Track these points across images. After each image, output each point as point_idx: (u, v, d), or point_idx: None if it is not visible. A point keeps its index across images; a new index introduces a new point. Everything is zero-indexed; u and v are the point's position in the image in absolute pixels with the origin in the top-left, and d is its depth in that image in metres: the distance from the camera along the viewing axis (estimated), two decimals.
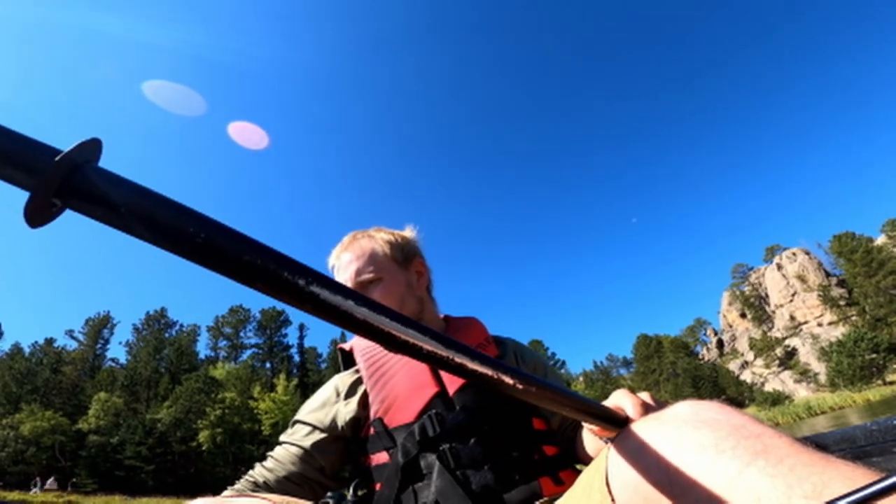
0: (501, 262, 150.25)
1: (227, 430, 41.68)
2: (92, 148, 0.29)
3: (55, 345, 55.48)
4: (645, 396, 0.69)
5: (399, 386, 0.99)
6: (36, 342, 55.31)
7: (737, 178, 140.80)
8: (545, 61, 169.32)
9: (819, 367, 56.57)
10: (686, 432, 0.47)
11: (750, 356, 71.56)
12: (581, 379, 79.41)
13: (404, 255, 1.18)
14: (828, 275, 69.40)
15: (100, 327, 60.50)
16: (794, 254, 74.34)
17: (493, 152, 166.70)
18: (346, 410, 1.03)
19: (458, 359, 0.40)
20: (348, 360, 1.17)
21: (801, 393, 56.70)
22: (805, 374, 59.40)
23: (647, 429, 0.52)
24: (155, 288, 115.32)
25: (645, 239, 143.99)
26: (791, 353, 64.94)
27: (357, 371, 1.10)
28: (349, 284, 1.09)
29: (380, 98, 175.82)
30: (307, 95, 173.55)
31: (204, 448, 40.67)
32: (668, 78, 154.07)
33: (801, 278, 70.57)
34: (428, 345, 0.38)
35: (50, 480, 31.87)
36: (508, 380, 0.43)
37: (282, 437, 1.06)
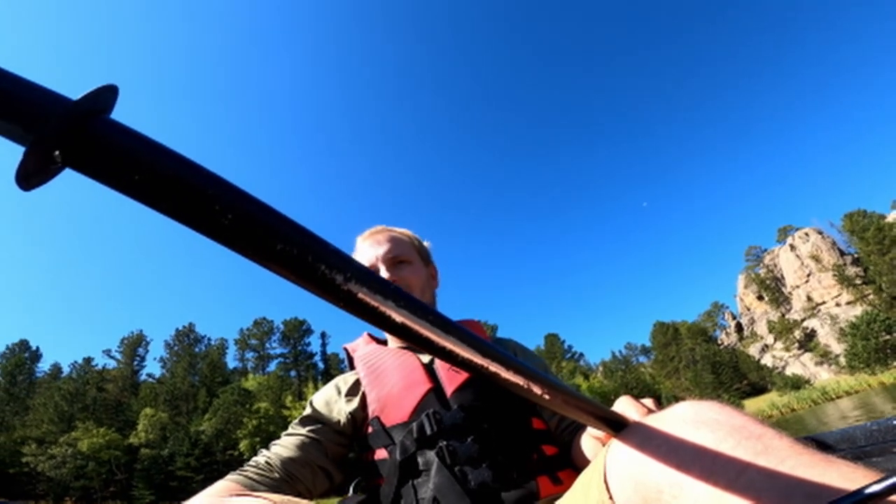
0: (513, 258, 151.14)
1: (264, 438, 43.41)
2: (105, 96, 0.24)
3: (93, 364, 57.91)
4: (648, 403, 0.69)
5: (393, 385, 1.02)
6: (75, 361, 57.76)
7: (743, 159, 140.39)
8: (551, 42, 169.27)
9: (839, 349, 56.25)
10: (686, 432, 0.47)
11: (770, 339, 71.93)
12: (600, 370, 79.92)
13: (426, 255, 1.31)
14: (842, 254, 69.49)
15: (135, 345, 62.69)
16: (806, 234, 74.40)
17: (501, 145, 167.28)
18: (346, 409, 1.07)
19: (494, 367, 0.39)
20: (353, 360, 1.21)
21: (823, 375, 57.01)
22: (826, 356, 59.46)
23: (646, 429, 0.52)
24: (181, 304, 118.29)
25: (656, 224, 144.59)
26: (810, 335, 65.26)
27: (357, 372, 1.14)
28: (381, 256, 1.19)
29: (377, 90, 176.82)
30: (290, 100, 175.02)
31: (245, 456, 42.46)
32: (674, 62, 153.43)
33: (816, 258, 70.66)
34: (465, 352, 0.37)
35: None
36: (537, 390, 0.43)
37: (288, 431, 1.07)
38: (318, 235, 0.29)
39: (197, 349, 64.23)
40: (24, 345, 59.06)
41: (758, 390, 61.48)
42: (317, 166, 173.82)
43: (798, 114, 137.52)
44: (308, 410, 1.11)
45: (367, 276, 0.30)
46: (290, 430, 1.07)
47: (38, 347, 60.21)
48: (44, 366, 59.74)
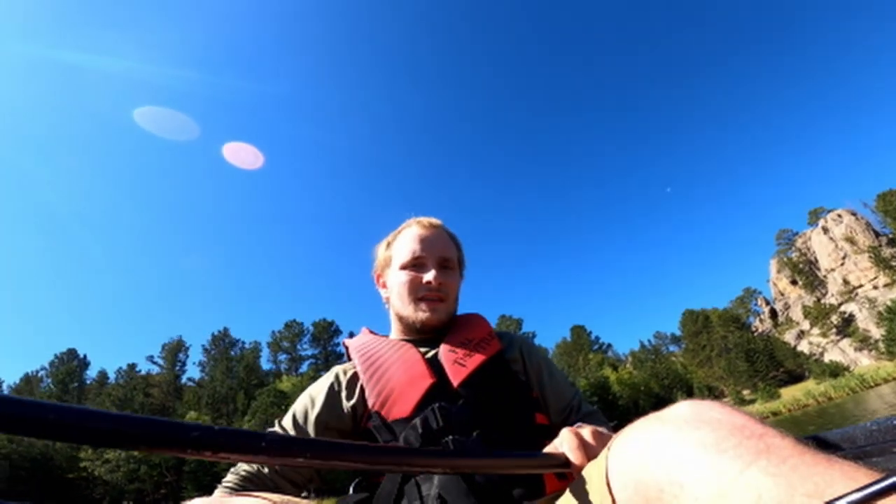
0: (539, 251, 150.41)
1: None
2: None
3: (137, 370, 60.70)
4: (585, 433, 0.70)
5: (394, 379, 1.00)
6: (120, 368, 60.70)
7: (771, 140, 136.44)
8: (573, 32, 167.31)
9: (879, 333, 53.70)
10: (687, 432, 0.47)
11: (806, 325, 69.82)
12: (630, 360, 78.94)
13: (463, 266, 1.29)
14: (877, 235, 66.99)
15: (175, 351, 65.63)
16: (839, 215, 72.04)
17: (528, 138, 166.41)
18: (347, 404, 1.04)
19: (355, 461, 0.42)
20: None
21: (864, 361, 55.21)
22: (865, 342, 57.43)
23: (648, 428, 0.52)
24: (214, 309, 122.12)
25: (682, 209, 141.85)
26: (848, 320, 63.22)
27: (355, 364, 1.12)
28: (434, 254, 1.18)
29: (382, 92, 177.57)
30: (295, 111, 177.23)
31: None
32: (700, 47, 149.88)
33: (850, 240, 68.34)
34: (341, 460, 0.41)
35: None
36: (418, 469, 0.46)
37: (275, 430, 1.03)
38: (162, 424, 0.35)
39: (232, 352, 66.60)
40: (72, 353, 62.24)
41: (795, 378, 59.73)
42: (327, 163, 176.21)
43: (826, 93, 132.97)
44: (297, 408, 1.09)
45: (214, 446, 0.36)
46: (276, 431, 1.05)
47: (85, 355, 63.38)
48: (91, 373, 62.71)
